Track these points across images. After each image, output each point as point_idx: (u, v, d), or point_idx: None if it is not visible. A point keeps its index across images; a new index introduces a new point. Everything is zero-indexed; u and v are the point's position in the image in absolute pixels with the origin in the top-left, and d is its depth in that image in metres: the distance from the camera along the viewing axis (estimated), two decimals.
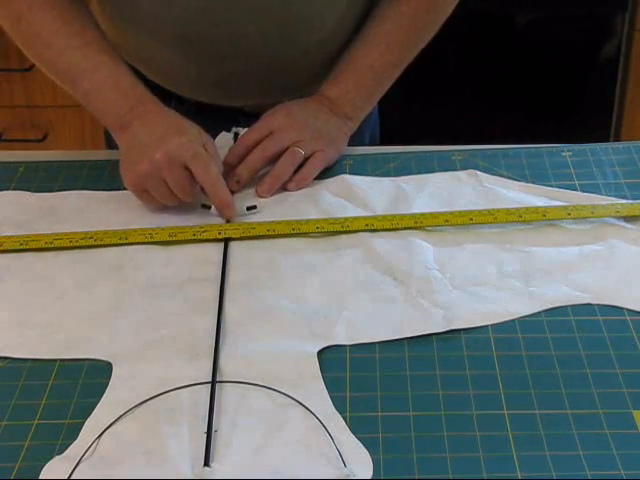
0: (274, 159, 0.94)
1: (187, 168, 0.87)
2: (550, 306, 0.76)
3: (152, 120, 0.90)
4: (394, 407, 0.67)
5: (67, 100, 2.05)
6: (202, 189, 0.89)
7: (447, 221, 0.86)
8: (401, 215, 0.87)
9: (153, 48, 1.01)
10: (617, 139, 2.01)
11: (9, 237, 0.87)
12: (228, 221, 0.89)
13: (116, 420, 0.67)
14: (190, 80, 1.04)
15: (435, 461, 0.63)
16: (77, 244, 0.86)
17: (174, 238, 0.86)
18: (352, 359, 0.72)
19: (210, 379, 0.69)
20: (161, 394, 0.69)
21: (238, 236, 0.86)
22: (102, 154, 1.06)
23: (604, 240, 0.84)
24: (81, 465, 0.63)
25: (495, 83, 2.05)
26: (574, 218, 0.86)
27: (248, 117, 1.02)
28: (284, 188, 0.94)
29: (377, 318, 0.76)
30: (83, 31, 0.93)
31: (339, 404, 0.67)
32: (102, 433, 0.66)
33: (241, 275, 0.82)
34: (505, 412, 0.66)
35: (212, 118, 0.94)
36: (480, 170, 0.95)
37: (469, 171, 0.95)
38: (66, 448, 0.65)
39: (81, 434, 0.66)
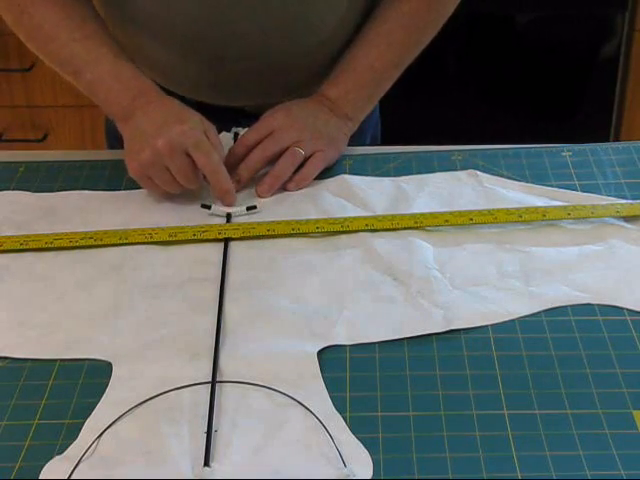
0: (274, 159, 0.94)
1: (189, 155, 0.88)
2: (550, 306, 0.76)
3: (154, 109, 0.91)
4: (394, 407, 0.67)
5: (67, 100, 2.06)
6: (204, 176, 0.90)
7: (447, 221, 0.86)
8: (401, 215, 0.87)
9: (153, 48, 1.01)
10: (617, 139, 2.01)
11: (9, 237, 0.87)
12: (228, 221, 0.89)
13: (116, 420, 0.67)
14: (190, 80, 1.05)
15: (435, 461, 0.63)
16: (77, 244, 0.86)
17: (174, 238, 0.86)
18: (352, 359, 0.72)
19: (210, 379, 0.69)
20: (161, 394, 0.69)
21: (238, 236, 0.86)
22: (102, 154, 1.06)
23: (604, 240, 0.84)
24: (81, 465, 0.63)
25: (495, 83, 2.04)
26: (574, 218, 0.86)
27: (248, 117, 1.02)
28: (284, 188, 0.94)
29: (377, 318, 0.76)
30: (84, 24, 0.93)
31: (339, 404, 0.67)
32: (102, 433, 0.66)
33: (241, 275, 0.82)
34: (505, 412, 0.66)
35: (212, 118, 0.94)
36: (480, 170, 0.95)
37: (469, 171, 0.95)
38: (66, 448, 0.65)
39: (81, 434, 0.66)
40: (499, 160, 0.97)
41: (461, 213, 0.87)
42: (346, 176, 0.95)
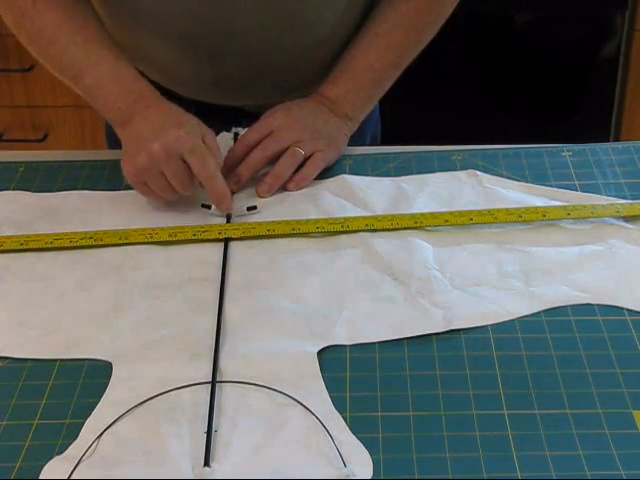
0: (274, 159, 0.94)
1: (185, 161, 0.87)
2: (550, 306, 0.76)
3: (153, 113, 0.90)
4: (394, 407, 0.67)
5: (67, 100, 2.06)
6: (200, 182, 0.89)
7: (447, 221, 0.86)
8: (401, 215, 0.87)
9: (152, 46, 1.01)
10: (617, 139, 2.01)
11: (9, 237, 0.87)
12: (228, 221, 0.89)
13: (116, 420, 0.67)
14: (189, 79, 1.05)
15: (435, 461, 0.63)
16: (77, 244, 0.86)
17: (174, 238, 0.86)
18: (352, 359, 0.72)
19: (210, 379, 0.69)
20: (161, 394, 0.69)
21: (238, 236, 0.86)
22: (102, 154, 1.06)
23: (604, 240, 0.84)
24: (81, 465, 0.63)
25: (495, 83, 2.05)
26: (574, 218, 0.86)
27: (248, 117, 1.02)
28: (284, 188, 0.94)
29: (377, 318, 0.76)
30: (85, 27, 0.93)
31: (339, 404, 0.67)
32: (102, 433, 0.66)
33: (241, 275, 0.82)
34: (505, 412, 0.66)
35: (212, 118, 0.94)
36: (480, 170, 0.95)
37: (469, 171, 0.95)
38: (66, 448, 0.65)
39: (81, 434, 0.66)
40: (499, 160, 0.97)
41: (461, 213, 0.87)
42: (346, 176, 0.95)
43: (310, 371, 0.70)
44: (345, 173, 0.96)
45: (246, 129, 0.98)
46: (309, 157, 0.95)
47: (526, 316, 0.76)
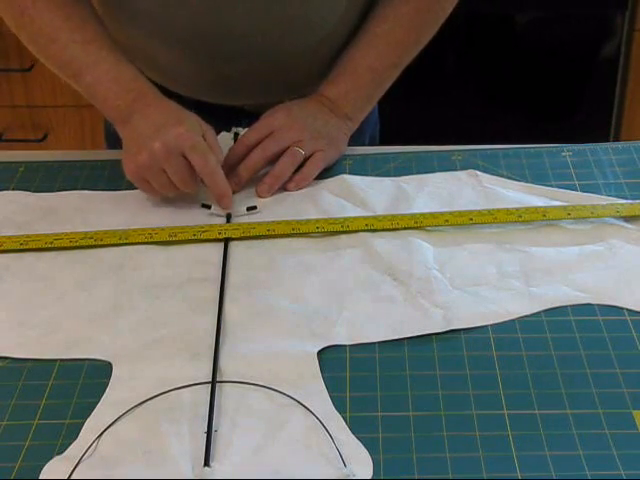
0: (274, 159, 0.94)
1: (186, 158, 0.88)
2: (550, 306, 0.76)
3: (153, 112, 0.91)
4: (394, 407, 0.67)
5: (67, 100, 2.06)
6: (201, 179, 0.90)
7: (447, 221, 0.86)
8: (401, 215, 0.87)
9: (152, 46, 1.01)
10: (617, 139, 2.01)
11: (9, 237, 0.87)
12: (228, 221, 0.89)
13: (116, 420, 0.67)
14: (189, 79, 1.05)
15: (435, 461, 0.63)
16: (77, 244, 0.86)
17: (174, 238, 0.86)
18: (352, 359, 0.72)
19: (210, 379, 0.69)
20: (161, 394, 0.69)
21: (238, 236, 0.86)
22: (102, 154, 1.06)
23: (604, 240, 0.84)
24: (81, 465, 0.63)
25: (495, 83, 2.04)
26: (574, 218, 0.86)
27: (248, 117, 1.02)
28: (284, 188, 0.94)
29: (377, 318, 0.76)
30: (84, 27, 0.93)
31: (339, 404, 0.67)
32: (102, 433, 0.66)
33: (241, 275, 0.82)
34: (505, 412, 0.66)
35: (212, 117, 0.94)
36: (480, 170, 0.95)
37: (469, 171, 0.95)
38: (66, 448, 0.65)
39: (81, 434, 0.66)
40: (499, 160, 0.97)
41: (461, 213, 0.87)
42: (346, 176, 0.95)
43: (310, 371, 0.70)
44: (345, 173, 0.96)
45: (246, 129, 0.98)
46: (309, 157, 0.95)
47: (526, 316, 0.76)
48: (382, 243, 0.84)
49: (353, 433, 0.65)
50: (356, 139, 1.04)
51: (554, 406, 0.67)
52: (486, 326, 0.75)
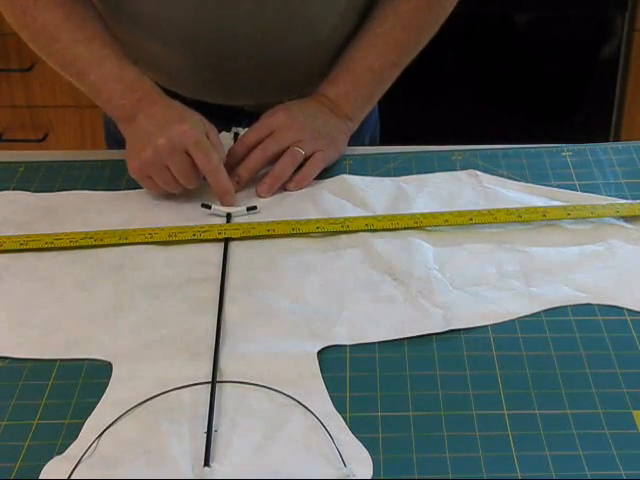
0: (274, 159, 0.94)
1: (189, 155, 0.88)
2: (550, 306, 0.76)
3: (157, 111, 0.91)
4: (394, 407, 0.67)
5: (67, 100, 2.06)
6: (204, 176, 0.90)
7: (447, 221, 0.86)
8: (401, 215, 0.87)
9: (151, 47, 1.01)
10: (617, 139, 2.01)
11: (9, 237, 0.87)
12: (228, 221, 0.89)
13: (116, 420, 0.67)
14: (189, 79, 1.05)
15: (435, 461, 0.63)
16: (77, 244, 0.86)
17: (174, 238, 0.86)
18: (352, 359, 0.72)
19: (210, 379, 0.69)
20: (161, 394, 0.69)
21: (238, 236, 0.86)
22: (102, 154, 1.06)
23: (604, 240, 0.84)
24: (81, 465, 0.63)
25: (495, 83, 2.04)
26: (574, 218, 0.86)
27: (248, 117, 1.02)
28: (284, 188, 0.94)
29: (377, 318, 0.76)
30: (86, 26, 0.93)
31: (339, 404, 0.67)
32: (102, 433, 0.66)
33: (241, 275, 0.82)
34: (505, 412, 0.66)
35: (212, 117, 0.94)
36: (480, 170, 0.95)
37: (469, 171, 0.95)
38: (66, 448, 0.65)
39: (81, 434, 0.66)
40: (499, 160, 0.97)
41: (461, 213, 0.87)
42: (346, 176, 0.95)
43: (310, 371, 0.70)
44: (345, 173, 0.96)
45: (246, 129, 0.98)
46: (309, 157, 0.95)
47: (526, 316, 0.76)
48: (382, 243, 0.84)
49: (353, 433, 0.65)
50: (356, 139, 1.04)
51: (554, 406, 0.67)
52: (486, 326, 0.75)
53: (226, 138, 1.00)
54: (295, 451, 0.63)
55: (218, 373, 0.70)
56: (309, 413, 0.66)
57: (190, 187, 0.91)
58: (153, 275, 0.82)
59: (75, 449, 0.64)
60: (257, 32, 0.97)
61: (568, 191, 0.91)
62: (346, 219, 0.87)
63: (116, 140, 1.04)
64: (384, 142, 1.18)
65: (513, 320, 0.75)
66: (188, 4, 0.94)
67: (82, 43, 0.93)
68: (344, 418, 0.66)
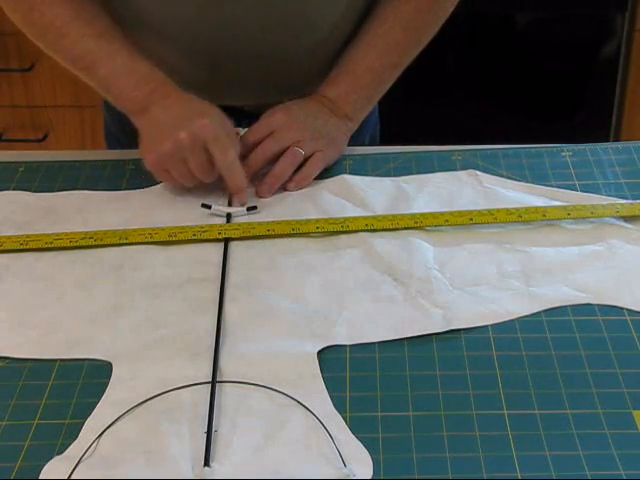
0: (274, 159, 0.94)
1: (207, 149, 0.88)
2: (550, 306, 0.76)
3: (173, 103, 0.91)
4: (394, 407, 0.67)
5: (67, 100, 2.06)
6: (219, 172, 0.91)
7: (447, 221, 0.86)
8: (401, 215, 0.87)
9: (152, 46, 1.01)
10: (617, 139, 2.01)
11: (9, 237, 0.87)
12: (228, 221, 0.89)
13: (116, 420, 0.67)
14: (189, 79, 1.04)
15: (435, 461, 0.63)
16: (77, 244, 0.86)
17: (174, 238, 0.86)
18: (352, 359, 0.72)
19: (210, 379, 0.69)
20: (161, 394, 0.69)
21: (238, 236, 0.86)
22: (102, 154, 1.06)
23: (604, 240, 0.84)
24: (81, 465, 0.63)
25: (495, 83, 2.04)
26: (574, 218, 0.86)
27: (248, 117, 1.02)
28: (284, 188, 0.94)
29: (377, 318, 0.76)
30: (94, 22, 0.93)
31: (339, 404, 0.67)
32: (102, 433, 0.66)
33: (241, 275, 0.82)
34: (505, 412, 0.66)
35: None
36: (480, 170, 0.95)
37: (469, 171, 0.95)
38: (66, 448, 0.65)
39: (81, 434, 0.66)
40: (499, 160, 0.97)
41: (461, 213, 0.87)
42: (346, 176, 0.95)
43: (310, 371, 0.70)
44: (345, 173, 0.96)
45: (246, 129, 0.98)
46: (309, 157, 0.95)
47: (526, 316, 0.76)
48: (382, 243, 0.84)
49: (353, 433, 0.65)
50: (356, 139, 1.04)
51: (554, 406, 0.67)
52: (486, 326, 0.75)
53: None
54: (295, 451, 0.63)
55: (218, 373, 0.70)
56: (309, 413, 0.66)
57: (206, 181, 0.91)
58: (153, 275, 0.82)
59: (75, 449, 0.64)
60: (258, 31, 0.97)
61: (568, 191, 0.91)
62: (346, 219, 0.87)
63: (116, 139, 1.04)
64: (384, 142, 1.18)
65: (513, 320, 0.75)
66: (191, 1, 0.94)
67: (91, 38, 0.93)
68: (344, 418, 0.66)
